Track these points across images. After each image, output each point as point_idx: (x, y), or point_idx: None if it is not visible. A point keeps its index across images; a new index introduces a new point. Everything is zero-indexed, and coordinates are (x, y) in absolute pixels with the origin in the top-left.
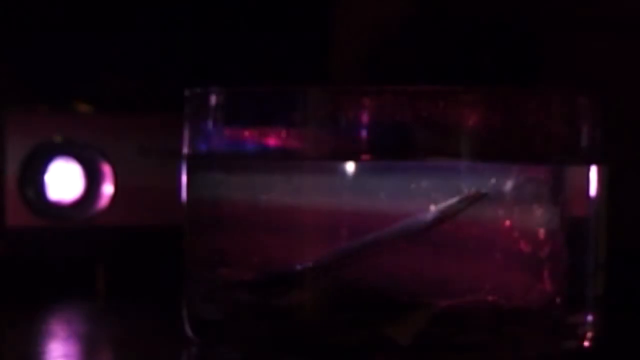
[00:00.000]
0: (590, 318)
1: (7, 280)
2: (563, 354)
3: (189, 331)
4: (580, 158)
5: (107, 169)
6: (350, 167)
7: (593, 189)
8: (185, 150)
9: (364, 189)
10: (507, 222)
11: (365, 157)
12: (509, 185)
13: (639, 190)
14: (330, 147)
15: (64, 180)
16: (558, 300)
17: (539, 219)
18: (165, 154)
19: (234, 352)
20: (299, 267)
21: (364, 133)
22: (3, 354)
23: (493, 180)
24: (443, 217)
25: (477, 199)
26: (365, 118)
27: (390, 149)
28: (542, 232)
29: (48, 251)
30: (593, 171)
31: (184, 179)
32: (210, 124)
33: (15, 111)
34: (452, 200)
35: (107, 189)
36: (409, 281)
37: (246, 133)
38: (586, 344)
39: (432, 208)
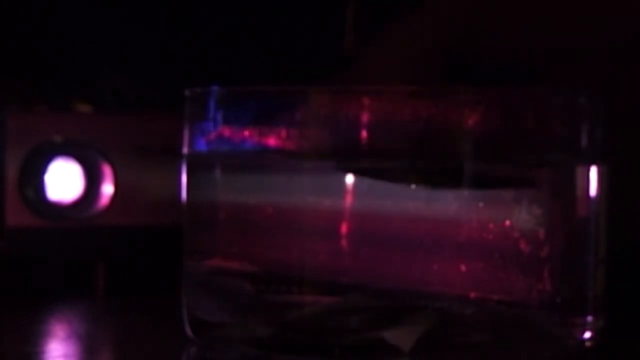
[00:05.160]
0: (590, 318)
1: (7, 280)
2: (563, 354)
3: (189, 331)
4: (580, 158)
5: (107, 169)
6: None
7: (593, 189)
8: (185, 150)
9: (364, 189)
10: (507, 222)
11: (365, 157)
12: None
13: (639, 190)
14: (330, 147)
15: (64, 180)
16: (558, 300)
17: (539, 219)
18: (165, 154)
19: (234, 352)
20: (300, 267)
21: (364, 133)
22: (3, 354)
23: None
24: None
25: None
26: (365, 118)
27: (390, 150)
28: (542, 232)
29: (48, 251)
30: (593, 171)
31: (184, 178)
32: (210, 124)
33: (15, 111)
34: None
35: (107, 189)
36: (409, 283)
37: (246, 133)
38: (586, 344)
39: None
